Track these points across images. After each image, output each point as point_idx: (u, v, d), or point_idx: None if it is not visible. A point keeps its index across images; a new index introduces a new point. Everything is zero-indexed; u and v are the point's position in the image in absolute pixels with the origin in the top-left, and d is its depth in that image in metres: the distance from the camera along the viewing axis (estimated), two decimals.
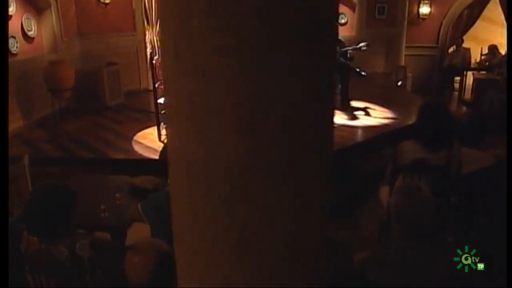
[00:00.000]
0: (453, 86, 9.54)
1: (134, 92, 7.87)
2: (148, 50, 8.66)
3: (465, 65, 9.11)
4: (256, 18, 0.57)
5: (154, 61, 5.34)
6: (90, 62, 7.43)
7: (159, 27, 0.69)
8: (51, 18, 6.77)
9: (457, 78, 9.30)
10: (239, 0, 0.56)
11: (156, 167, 3.42)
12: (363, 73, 6.87)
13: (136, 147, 5.34)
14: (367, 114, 6.64)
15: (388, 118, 6.44)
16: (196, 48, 0.59)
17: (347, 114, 6.55)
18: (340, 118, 6.41)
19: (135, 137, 5.66)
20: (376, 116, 6.51)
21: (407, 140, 3.22)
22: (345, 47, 7.04)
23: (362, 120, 6.33)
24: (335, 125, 5.89)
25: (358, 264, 1.97)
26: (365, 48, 6.87)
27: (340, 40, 7.06)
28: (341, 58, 6.94)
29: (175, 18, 0.61)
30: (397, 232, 1.92)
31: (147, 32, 8.65)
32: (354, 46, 6.97)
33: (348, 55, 6.93)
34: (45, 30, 6.81)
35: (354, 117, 6.47)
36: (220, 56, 0.58)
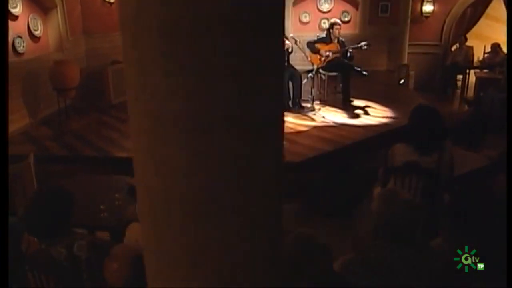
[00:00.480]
0: (456, 84, 9.54)
1: None
2: None
3: (468, 63, 9.10)
4: (205, 63, 0.66)
5: None
6: (95, 61, 7.55)
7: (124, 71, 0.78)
8: (57, 17, 6.88)
9: (460, 76, 9.31)
10: (186, 48, 0.65)
11: None
12: (364, 73, 6.91)
13: None
14: (368, 113, 6.69)
15: (388, 117, 6.48)
16: (150, 92, 0.68)
17: (347, 113, 6.61)
18: (341, 117, 6.48)
19: None
20: (377, 115, 6.55)
21: (399, 143, 3.29)
22: (346, 46, 7.09)
23: (363, 119, 6.37)
24: (335, 125, 6.01)
25: (342, 265, 2.06)
26: (366, 47, 6.89)
27: (341, 40, 7.11)
28: (342, 58, 7.01)
29: (135, 64, 0.70)
30: (379, 235, 2.01)
31: None
32: (355, 46, 7.00)
33: (349, 54, 6.97)
34: (51, 29, 6.93)
35: (355, 116, 6.52)
36: (172, 100, 0.66)
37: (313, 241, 1.71)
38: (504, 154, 3.50)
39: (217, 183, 0.70)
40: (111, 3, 7.74)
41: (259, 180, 0.73)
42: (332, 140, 5.45)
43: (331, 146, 5.24)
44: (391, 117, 6.47)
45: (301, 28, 9.87)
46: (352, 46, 7.03)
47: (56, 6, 6.83)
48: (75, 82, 6.35)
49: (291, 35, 6.77)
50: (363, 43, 6.95)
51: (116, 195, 3.14)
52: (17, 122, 5.98)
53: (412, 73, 9.31)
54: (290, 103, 6.77)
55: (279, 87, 0.79)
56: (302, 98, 6.87)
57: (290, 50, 6.80)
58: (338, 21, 7.20)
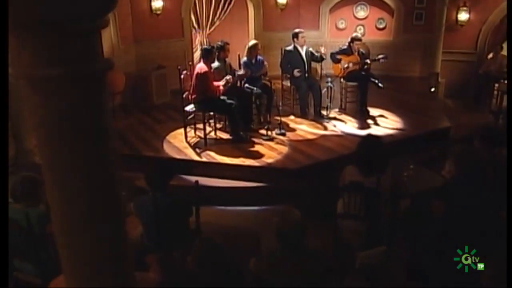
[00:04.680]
0: (491, 93, 9.53)
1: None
2: (198, 52, 9.67)
3: (501, 73, 9.09)
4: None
5: (182, 76, 6.34)
6: (144, 65, 8.61)
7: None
8: (110, 30, 7.96)
9: (496, 85, 9.28)
10: None
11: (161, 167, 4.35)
12: (380, 85, 7.35)
13: (165, 146, 6.35)
14: (378, 123, 7.13)
15: (396, 128, 6.89)
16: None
17: (359, 123, 7.11)
18: (351, 126, 6.99)
19: (167, 137, 6.66)
20: (386, 126, 6.97)
21: (350, 165, 3.91)
22: (367, 58, 7.55)
23: (371, 130, 6.78)
24: (342, 134, 6.56)
25: (254, 264, 2.80)
26: (383, 60, 7.35)
27: (361, 52, 7.57)
28: (360, 69, 7.49)
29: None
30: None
31: (198, 35, 9.69)
32: (373, 59, 7.46)
33: (366, 66, 7.44)
34: (104, 39, 8.02)
35: (365, 126, 7.00)
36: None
37: (212, 242, 2.47)
38: (456, 179, 3.93)
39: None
40: (158, 14, 8.75)
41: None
42: (331, 149, 6.02)
43: (327, 155, 5.83)
44: (399, 129, 6.88)
45: (338, 34, 10.33)
46: (370, 59, 7.50)
47: (109, 20, 7.90)
48: (120, 88, 7.42)
49: (310, 48, 7.35)
50: (380, 56, 7.41)
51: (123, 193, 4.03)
52: None
53: (442, 80, 9.50)
54: (311, 111, 7.39)
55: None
56: (323, 106, 7.45)
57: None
58: (359, 36, 7.64)
